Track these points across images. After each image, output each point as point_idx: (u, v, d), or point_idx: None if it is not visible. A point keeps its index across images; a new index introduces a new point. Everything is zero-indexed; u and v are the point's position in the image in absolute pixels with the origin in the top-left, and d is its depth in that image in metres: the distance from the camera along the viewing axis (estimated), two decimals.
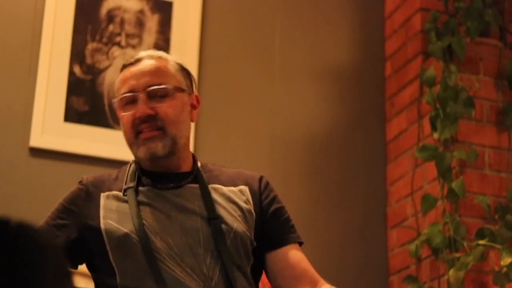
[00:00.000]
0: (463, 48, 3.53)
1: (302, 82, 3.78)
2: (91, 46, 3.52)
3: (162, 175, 2.12)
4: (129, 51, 3.56)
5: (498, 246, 3.24)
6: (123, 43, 3.57)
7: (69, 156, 3.37)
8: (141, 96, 2.08)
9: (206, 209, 2.07)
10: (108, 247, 2.01)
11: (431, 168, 3.47)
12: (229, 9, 3.77)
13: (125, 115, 2.10)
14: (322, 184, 3.68)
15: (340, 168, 3.73)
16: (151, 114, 2.07)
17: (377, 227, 3.72)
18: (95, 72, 3.50)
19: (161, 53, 2.19)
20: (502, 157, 3.52)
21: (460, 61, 3.55)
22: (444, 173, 3.38)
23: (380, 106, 3.87)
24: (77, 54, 3.49)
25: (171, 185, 2.10)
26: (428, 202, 3.39)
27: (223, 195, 2.12)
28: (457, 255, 3.26)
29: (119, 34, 3.58)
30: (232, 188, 2.15)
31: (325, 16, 3.90)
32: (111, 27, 3.57)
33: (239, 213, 2.09)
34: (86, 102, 3.45)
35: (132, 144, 2.10)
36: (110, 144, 3.41)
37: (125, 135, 2.12)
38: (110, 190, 2.11)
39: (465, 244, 3.28)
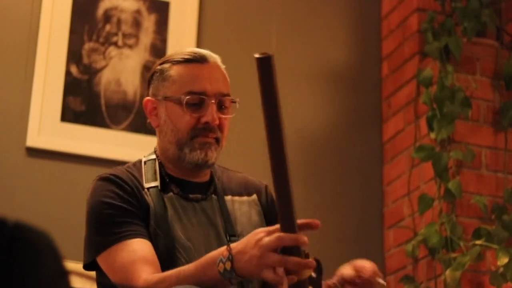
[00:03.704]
0: (460, 48, 3.53)
1: (298, 82, 3.78)
2: (87, 46, 3.52)
3: (190, 184, 2.08)
4: (125, 51, 3.56)
5: (494, 246, 3.24)
6: (120, 43, 3.57)
7: (66, 156, 3.36)
8: (213, 103, 2.04)
9: (224, 225, 2.05)
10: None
11: (427, 168, 3.47)
12: (226, 9, 3.77)
13: (189, 115, 2.04)
14: (319, 185, 3.68)
15: (336, 169, 3.73)
16: (217, 124, 2.05)
17: (374, 227, 3.72)
18: (91, 72, 3.50)
19: (218, 57, 2.15)
20: (498, 157, 3.52)
21: (456, 61, 3.55)
22: (441, 173, 3.38)
23: (376, 106, 3.87)
24: (73, 54, 3.49)
25: (200, 196, 2.07)
26: (424, 202, 3.39)
27: (238, 209, 2.10)
28: (453, 255, 3.26)
29: (116, 34, 3.57)
30: (244, 198, 2.14)
31: (322, 17, 3.90)
32: (107, 27, 3.57)
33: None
34: (83, 102, 3.45)
35: (183, 144, 2.04)
36: (107, 144, 3.41)
37: (177, 133, 2.05)
38: (143, 188, 2.04)
39: (461, 244, 3.28)
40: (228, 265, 1.71)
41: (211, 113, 2.04)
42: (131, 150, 3.41)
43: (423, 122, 3.54)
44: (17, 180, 3.30)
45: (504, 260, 3.18)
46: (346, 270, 1.93)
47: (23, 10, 3.47)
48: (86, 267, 2.04)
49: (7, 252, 0.98)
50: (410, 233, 3.52)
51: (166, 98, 2.07)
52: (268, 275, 1.65)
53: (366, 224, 3.71)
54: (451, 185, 3.34)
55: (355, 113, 3.83)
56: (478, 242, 3.26)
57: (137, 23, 3.61)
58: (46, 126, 3.36)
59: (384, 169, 3.78)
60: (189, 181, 2.09)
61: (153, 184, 2.04)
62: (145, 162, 2.11)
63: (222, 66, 2.13)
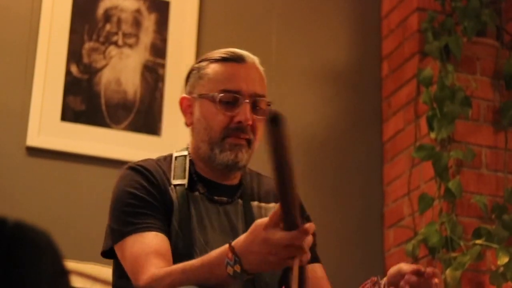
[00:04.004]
0: (460, 47, 3.53)
1: (298, 82, 3.78)
2: (88, 45, 3.52)
3: (217, 186, 2.05)
4: (126, 50, 3.56)
5: (495, 245, 3.24)
6: (120, 42, 3.57)
7: (66, 155, 3.36)
8: (247, 102, 2.01)
9: (245, 231, 1.96)
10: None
11: (428, 168, 3.47)
12: (226, 9, 3.77)
13: (222, 113, 2.01)
14: (319, 184, 3.68)
15: (337, 168, 3.73)
16: (250, 125, 2.01)
17: (374, 226, 3.72)
18: (92, 72, 3.50)
19: (256, 58, 2.12)
20: (498, 157, 3.52)
21: (457, 61, 3.55)
22: (441, 173, 3.38)
23: (377, 106, 3.87)
24: (74, 54, 3.49)
25: (225, 199, 2.04)
26: (425, 202, 3.39)
27: (264, 215, 2.05)
28: (454, 254, 3.26)
29: (116, 34, 3.57)
30: (271, 204, 2.11)
31: (322, 16, 3.90)
32: (108, 27, 3.57)
33: None
34: (83, 102, 3.45)
35: (214, 144, 2.01)
36: (107, 143, 3.41)
37: (209, 132, 2.02)
38: (170, 183, 2.02)
39: (462, 243, 3.28)
40: (237, 268, 1.71)
41: (244, 113, 2.00)
42: (131, 150, 3.41)
43: (423, 122, 3.54)
44: (17, 179, 3.30)
45: (504, 259, 3.18)
46: (406, 265, 1.91)
47: (23, 10, 3.46)
48: (104, 254, 2.03)
49: (7, 252, 0.98)
50: (410, 233, 3.52)
51: (201, 96, 2.05)
52: (292, 263, 1.68)
53: (366, 224, 3.71)
54: (451, 184, 3.34)
55: (355, 113, 3.83)
56: (478, 241, 3.26)
57: (137, 23, 3.61)
58: (46, 125, 3.36)
59: (384, 168, 3.78)
60: (217, 182, 2.06)
61: (180, 181, 2.02)
62: (176, 158, 2.09)
63: (261, 68, 2.11)
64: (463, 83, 3.52)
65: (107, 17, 3.58)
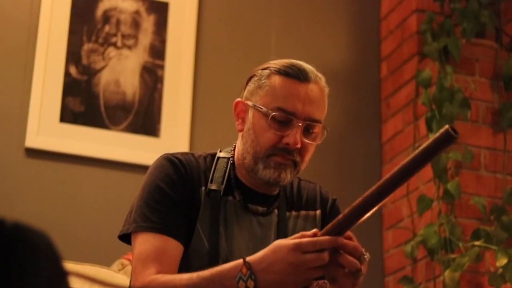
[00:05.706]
0: (459, 49, 3.53)
1: None
2: (87, 46, 3.52)
3: (255, 194, 2.01)
4: (125, 51, 3.56)
5: (493, 247, 3.25)
6: (119, 43, 3.57)
7: (64, 156, 3.36)
8: (299, 125, 1.95)
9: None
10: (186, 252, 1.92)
11: (426, 169, 3.46)
12: (225, 10, 3.77)
13: (272, 132, 1.95)
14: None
15: (336, 169, 3.73)
16: (298, 148, 1.96)
17: (373, 228, 3.72)
18: (91, 73, 3.50)
19: (322, 77, 2.08)
20: (497, 158, 3.52)
21: (456, 62, 3.55)
22: (440, 174, 3.38)
23: (376, 107, 3.87)
24: (73, 55, 3.49)
25: (260, 209, 2.00)
26: (423, 203, 3.39)
27: (297, 225, 2.04)
28: (452, 256, 3.26)
29: (115, 35, 3.57)
30: (306, 212, 2.08)
31: (321, 17, 3.90)
32: (107, 28, 3.57)
33: None
34: (82, 103, 3.45)
35: (258, 159, 1.96)
36: (106, 144, 3.41)
37: (256, 146, 1.97)
38: (203, 184, 1.97)
39: (460, 245, 3.28)
40: (250, 283, 1.72)
41: (294, 136, 1.95)
42: (130, 151, 3.41)
43: (422, 123, 3.55)
44: (16, 180, 3.29)
45: (503, 261, 3.18)
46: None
47: (22, 11, 3.46)
48: (120, 237, 1.99)
49: (5, 253, 0.98)
50: (409, 234, 3.52)
51: (255, 106, 1.99)
52: (309, 283, 1.76)
53: (365, 225, 3.69)
54: (450, 186, 3.34)
55: (354, 114, 3.83)
56: (477, 243, 3.26)
57: (136, 24, 3.61)
58: (45, 126, 3.36)
59: (383, 169, 3.78)
60: (255, 190, 2.02)
61: (216, 187, 1.98)
62: (218, 158, 2.05)
63: (325, 88, 2.06)
64: (462, 85, 3.52)
65: (106, 18, 3.58)
